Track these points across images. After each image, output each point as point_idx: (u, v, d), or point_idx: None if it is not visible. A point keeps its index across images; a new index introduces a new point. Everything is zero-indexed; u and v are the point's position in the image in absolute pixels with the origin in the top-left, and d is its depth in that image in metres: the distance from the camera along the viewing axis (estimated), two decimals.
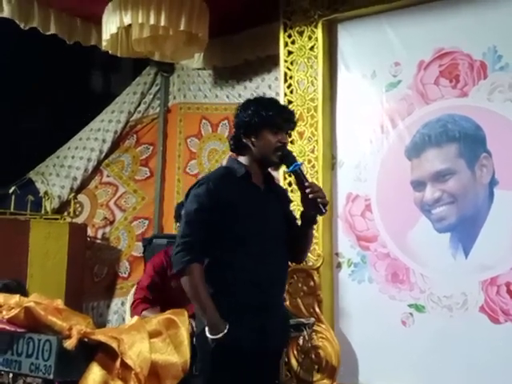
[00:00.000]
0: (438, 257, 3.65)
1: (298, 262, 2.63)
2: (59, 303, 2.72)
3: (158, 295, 3.66)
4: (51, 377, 2.51)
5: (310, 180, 2.45)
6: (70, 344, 2.48)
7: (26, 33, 4.58)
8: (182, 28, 3.93)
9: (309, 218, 2.43)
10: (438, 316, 3.60)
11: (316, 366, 3.76)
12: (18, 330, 2.68)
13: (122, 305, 5.30)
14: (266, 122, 2.42)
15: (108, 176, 5.71)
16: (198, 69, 5.47)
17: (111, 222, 5.63)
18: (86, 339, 2.56)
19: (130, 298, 4.32)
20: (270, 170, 2.53)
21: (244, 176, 2.45)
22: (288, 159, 2.43)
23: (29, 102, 5.66)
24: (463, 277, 3.55)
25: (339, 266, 3.99)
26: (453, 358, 3.49)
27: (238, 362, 2.33)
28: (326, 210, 2.35)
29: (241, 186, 2.43)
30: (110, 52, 4.44)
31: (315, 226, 2.59)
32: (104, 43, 4.24)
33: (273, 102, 2.54)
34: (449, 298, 3.57)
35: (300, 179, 2.41)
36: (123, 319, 4.88)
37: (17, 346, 2.66)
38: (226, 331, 2.27)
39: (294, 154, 2.53)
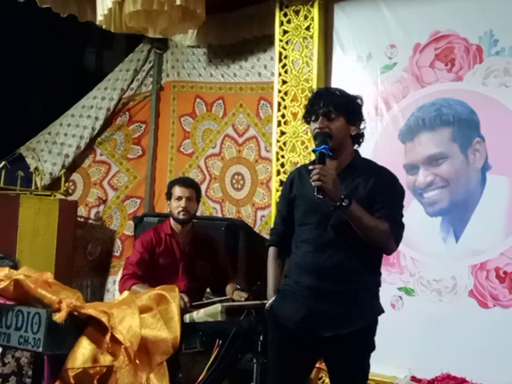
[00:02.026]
0: (429, 241, 3.65)
1: (384, 253, 2.52)
2: (49, 276, 2.70)
3: (148, 271, 3.67)
4: (40, 350, 2.51)
5: (320, 165, 2.31)
6: (59, 317, 2.48)
7: (20, 8, 4.52)
8: (178, 3, 3.87)
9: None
10: (427, 300, 3.61)
11: None
12: (7, 302, 2.67)
13: (114, 283, 5.31)
14: (305, 116, 2.51)
15: (101, 154, 5.68)
16: (193, 46, 5.43)
17: (104, 201, 5.61)
18: (75, 313, 2.56)
19: (119, 276, 4.32)
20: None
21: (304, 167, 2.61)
22: (315, 140, 2.42)
23: (21, 77, 5.60)
24: (453, 261, 3.56)
25: None
26: (441, 342, 3.50)
27: (282, 336, 2.47)
28: (316, 194, 2.28)
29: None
30: (103, 27, 4.38)
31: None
32: (100, 18, 4.18)
33: (313, 92, 2.58)
34: (438, 281, 3.58)
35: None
36: (115, 297, 4.88)
37: (6, 318, 2.66)
38: (271, 301, 2.52)
39: (324, 138, 2.38)
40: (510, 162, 3.44)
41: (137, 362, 2.60)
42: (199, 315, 3.18)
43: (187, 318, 3.19)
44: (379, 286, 2.54)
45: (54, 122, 5.65)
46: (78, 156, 5.57)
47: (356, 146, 2.58)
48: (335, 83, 4.12)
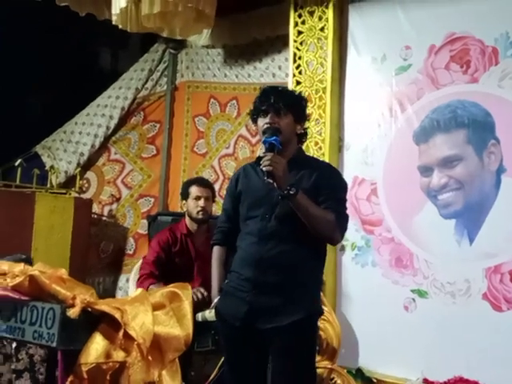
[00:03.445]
0: (443, 243, 3.64)
1: (330, 244, 2.58)
2: (63, 272, 2.72)
3: (164, 271, 3.68)
4: (54, 345, 2.52)
5: (272, 153, 2.36)
6: (73, 313, 2.49)
7: (37, 8, 4.55)
8: (190, 4, 3.89)
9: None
10: (440, 302, 3.59)
11: (317, 348, 3.77)
12: (22, 297, 2.68)
13: (126, 281, 5.33)
14: (253, 111, 2.56)
15: (115, 153, 5.72)
16: (207, 47, 5.45)
17: (117, 199, 5.64)
18: (89, 309, 2.57)
19: (133, 274, 4.34)
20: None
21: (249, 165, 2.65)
22: (265, 133, 2.45)
23: (37, 76, 5.65)
24: (467, 264, 3.54)
25: (343, 249, 3.99)
26: (454, 344, 3.49)
27: (226, 333, 2.51)
28: (266, 178, 2.31)
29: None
30: (119, 27, 4.41)
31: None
32: (114, 17, 4.21)
33: (261, 90, 2.60)
34: (452, 284, 3.56)
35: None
36: (127, 295, 4.90)
37: (20, 313, 2.67)
38: (216, 301, 2.55)
39: (274, 131, 2.44)
40: None
41: (149, 358, 2.60)
42: (211, 314, 3.19)
43: (199, 316, 3.20)
44: (321, 279, 2.58)
45: (70, 120, 5.70)
46: (92, 155, 5.61)
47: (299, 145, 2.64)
48: (349, 84, 4.14)
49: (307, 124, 2.66)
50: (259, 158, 2.50)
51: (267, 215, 2.45)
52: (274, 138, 2.41)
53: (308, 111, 3.97)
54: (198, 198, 3.75)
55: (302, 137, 2.62)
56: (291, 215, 2.38)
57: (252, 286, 2.42)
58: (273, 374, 2.44)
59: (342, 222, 2.48)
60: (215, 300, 2.57)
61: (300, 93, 2.73)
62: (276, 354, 2.42)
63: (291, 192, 2.32)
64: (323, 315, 3.74)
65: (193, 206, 3.76)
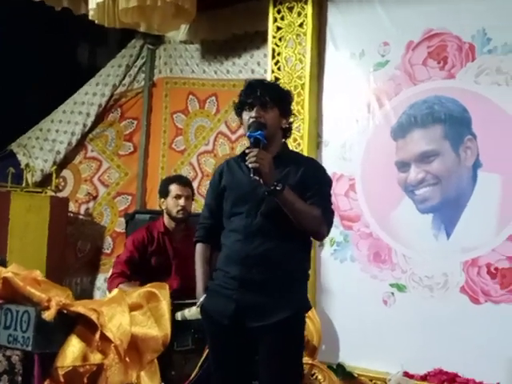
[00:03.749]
0: (420, 237, 3.66)
1: (316, 239, 2.64)
2: (38, 274, 2.68)
3: (137, 271, 3.66)
4: (29, 348, 2.49)
5: (257, 149, 2.34)
6: (48, 315, 2.46)
7: (12, 4, 4.48)
8: None
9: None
10: (418, 296, 3.62)
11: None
12: None
13: (104, 281, 5.28)
14: (238, 104, 2.54)
15: (92, 151, 5.66)
16: (185, 42, 5.40)
17: (94, 198, 5.59)
18: (65, 311, 2.54)
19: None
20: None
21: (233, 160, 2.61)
22: (250, 128, 2.43)
23: (11, 73, 5.56)
24: (445, 257, 3.57)
25: (322, 244, 3.98)
26: (433, 337, 3.51)
27: (213, 332, 2.48)
28: (253, 175, 2.29)
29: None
30: (96, 22, 4.35)
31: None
32: (90, 12, 4.15)
33: (246, 83, 2.57)
34: (430, 278, 3.59)
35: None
36: (106, 295, 4.86)
37: None
38: (202, 300, 2.50)
39: (259, 126, 2.41)
40: (501, 159, 3.45)
41: (127, 359, 2.59)
42: (191, 313, 3.17)
43: (179, 315, 3.19)
44: (307, 276, 2.55)
45: (46, 118, 5.62)
46: (68, 152, 5.54)
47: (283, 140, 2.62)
48: (328, 80, 4.13)
49: (292, 118, 2.63)
50: (244, 153, 2.47)
51: (253, 212, 2.42)
52: (259, 132, 2.38)
53: None
54: (178, 197, 3.72)
55: (287, 131, 2.60)
56: (277, 211, 2.37)
57: (238, 284, 2.39)
58: (261, 371, 2.42)
59: (328, 216, 2.48)
60: (201, 298, 2.53)
61: (286, 89, 2.69)
62: (264, 352, 2.40)
63: (278, 188, 2.30)
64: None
65: (172, 204, 3.73)
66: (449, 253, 3.55)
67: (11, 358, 2.60)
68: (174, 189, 3.75)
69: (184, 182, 3.85)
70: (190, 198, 3.78)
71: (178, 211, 3.71)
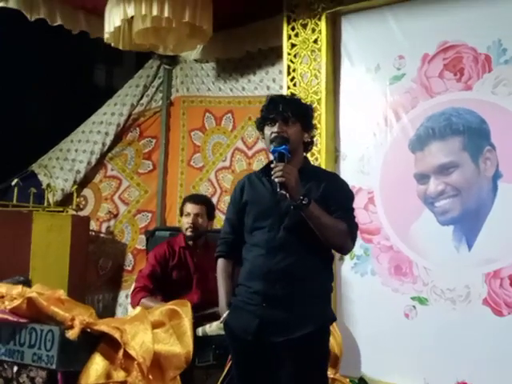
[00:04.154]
0: (441, 249, 3.63)
1: (341, 253, 2.72)
2: (61, 294, 2.71)
3: (159, 285, 3.68)
4: (54, 367, 2.51)
5: (283, 163, 2.34)
6: (72, 334, 2.48)
7: (32, 26, 4.57)
8: (186, 19, 3.91)
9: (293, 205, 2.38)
10: (440, 309, 3.58)
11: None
12: (21, 320, 2.68)
13: (126, 297, 5.31)
14: (260, 120, 2.54)
15: (112, 170, 5.71)
16: (201, 62, 5.46)
17: (115, 216, 5.63)
18: (88, 329, 2.56)
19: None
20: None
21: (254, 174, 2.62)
22: (273, 142, 2.43)
23: (32, 95, 5.66)
24: (466, 269, 3.53)
25: (342, 258, 3.97)
26: (456, 351, 3.47)
27: (237, 348, 2.48)
28: (279, 190, 2.29)
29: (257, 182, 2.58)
30: (112, 45, 4.42)
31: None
32: (106, 36, 4.22)
33: (268, 98, 2.58)
34: (452, 290, 3.55)
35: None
36: (127, 311, 4.89)
37: (19, 336, 2.67)
38: (225, 316, 2.48)
39: (283, 140, 2.41)
40: None
41: (150, 377, 2.59)
42: (212, 328, 3.19)
43: (200, 331, 3.20)
44: (330, 290, 2.54)
45: (66, 138, 5.70)
46: (88, 172, 5.60)
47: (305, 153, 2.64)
48: (344, 95, 4.14)
49: (313, 132, 2.64)
50: (265, 168, 2.48)
51: (275, 226, 2.42)
52: (284, 147, 2.39)
53: None
54: (188, 215, 3.77)
55: (308, 145, 2.61)
56: (300, 226, 2.37)
57: (262, 299, 2.39)
58: None
59: (353, 230, 2.48)
60: (224, 314, 2.52)
61: (307, 103, 2.71)
62: (289, 367, 2.39)
63: (304, 202, 2.30)
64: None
65: (184, 222, 3.80)
66: (470, 265, 3.52)
67: (35, 379, 2.62)
68: (186, 207, 3.81)
69: (196, 200, 3.87)
70: (201, 215, 3.79)
71: (186, 229, 3.76)
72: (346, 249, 2.53)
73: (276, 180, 2.30)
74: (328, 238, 2.39)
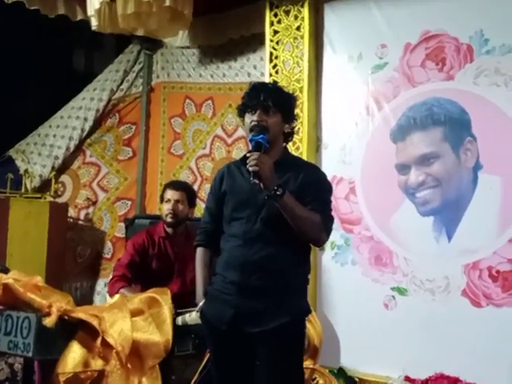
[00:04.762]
0: (421, 240, 3.65)
1: (315, 245, 2.58)
2: (38, 280, 2.67)
3: (138, 274, 3.65)
4: (30, 355, 2.47)
5: (258, 153, 2.31)
6: (49, 321, 2.44)
7: (8, 10, 4.48)
8: (167, 3, 3.86)
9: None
10: (420, 299, 3.61)
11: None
12: None
13: (104, 286, 5.27)
14: (241, 106, 2.50)
15: (91, 156, 5.65)
16: (182, 47, 5.41)
17: (94, 203, 5.58)
18: (66, 317, 2.53)
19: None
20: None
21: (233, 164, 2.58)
22: (252, 132, 2.41)
23: (8, 79, 5.55)
24: (446, 260, 3.56)
25: (322, 248, 3.97)
26: (435, 341, 3.50)
27: (213, 338, 2.47)
28: (252, 179, 2.27)
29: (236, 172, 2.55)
30: (94, 28, 4.35)
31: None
32: (92, 19, 4.16)
33: (250, 85, 2.54)
34: (431, 281, 3.58)
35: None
36: (106, 300, 4.85)
37: None
38: (201, 305, 2.48)
39: (262, 129, 2.38)
40: (501, 161, 3.45)
41: (128, 366, 2.57)
42: (192, 317, 3.15)
43: (179, 320, 3.17)
44: (307, 282, 2.53)
45: (44, 123, 5.62)
46: (67, 158, 5.53)
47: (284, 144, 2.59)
48: (326, 83, 4.13)
49: (294, 123, 2.60)
50: (245, 157, 2.44)
51: (253, 217, 2.40)
52: (261, 136, 2.36)
53: None
54: (168, 201, 3.73)
55: (289, 136, 2.58)
56: (277, 217, 2.35)
57: (237, 290, 2.38)
58: (261, 377, 2.39)
59: (327, 223, 2.46)
60: (200, 303, 2.51)
61: (290, 93, 2.65)
62: (264, 358, 2.38)
63: (278, 192, 2.28)
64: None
65: (164, 208, 3.77)
66: (450, 256, 3.54)
67: (14, 365, 2.59)
68: (166, 194, 3.78)
69: (176, 186, 3.84)
70: (181, 202, 3.74)
71: (166, 215, 3.73)
72: (319, 241, 2.50)
73: (250, 169, 2.29)
74: (301, 230, 2.37)
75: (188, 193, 3.82)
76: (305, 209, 2.37)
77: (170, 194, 3.74)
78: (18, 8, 4.46)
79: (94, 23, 4.27)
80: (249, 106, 2.45)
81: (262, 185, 2.28)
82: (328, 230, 2.47)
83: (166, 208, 3.72)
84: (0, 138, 5.32)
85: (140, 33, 4.70)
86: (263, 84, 2.63)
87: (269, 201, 2.32)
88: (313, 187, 2.44)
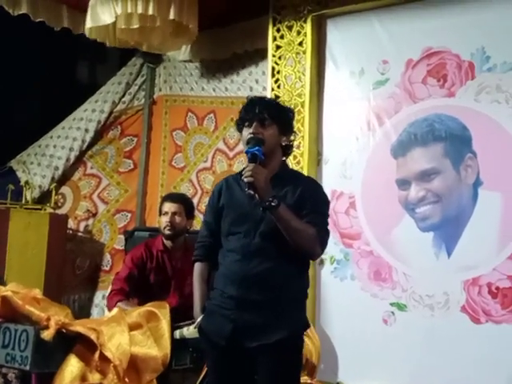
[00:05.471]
0: (421, 256, 3.65)
1: (310, 259, 2.52)
2: (37, 293, 2.66)
3: (136, 288, 3.64)
4: (27, 368, 2.47)
5: (253, 164, 2.31)
6: (47, 335, 2.44)
7: (13, 21, 4.51)
8: (171, 17, 3.88)
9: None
10: (419, 315, 3.59)
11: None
12: None
13: (102, 298, 5.25)
14: (238, 121, 2.51)
15: (92, 168, 5.64)
16: (185, 61, 5.43)
17: (94, 215, 5.57)
18: (64, 330, 2.52)
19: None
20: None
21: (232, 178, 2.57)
22: (249, 143, 2.41)
23: (12, 91, 5.58)
24: (445, 276, 3.55)
25: (322, 262, 3.97)
26: (434, 357, 3.49)
27: (212, 353, 2.44)
28: (247, 190, 2.28)
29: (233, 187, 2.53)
30: (98, 40, 4.37)
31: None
32: (88, 30, 4.17)
33: (247, 99, 2.55)
34: (431, 297, 3.57)
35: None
36: (104, 313, 4.83)
37: None
38: (199, 320, 2.44)
39: (257, 142, 2.37)
40: (501, 177, 3.46)
41: (126, 380, 2.56)
42: (190, 331, 3.15)
43: (177, 334, 3.16)
44: (306, 296, 2.52)
45: (45, 134, 5.62)
46: (67, 169, 5.52)
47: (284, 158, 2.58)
48: (328, 98, 4.15)
49: (293, 136, 2.59)
50: (242, 171, 2.45)
51: (251, 232, 2.39)
52: (257, 148, 2.36)
53: None
54: (165, 214, 3.72)
55: (287, 149, 2.57)
56: (275, 231, 2.34)
57: (236, 304, 2.36)
58: None
59: (323, 236, 2.44)
60: (198, 319, 2.49)
61: (287, 106, 2.66)
62: (263, 372, 2.37)
63: (273, 203, 2.27)
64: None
65: (161, 221, 3.74)
66: (449, 272, 3.54)
67: (7, 375, 2.57)
68: (163, 206, 3.76)
69: (174, 198, 3.83)
70: (179, 214, 3.73)
71: (163, 228, 3.71)
72: (314, 254, 2.48)
73: (245, 180, 2.29)
74: (296, 243, 2.36)
75: (185, 205, 3.81)
76: (300, 221, 2.36)
77: (168, 207, 3.74)
78: (23, 20, 4.48)
79: (92, 35, 4.28)
80: (245, 119, 2.46)
81: (256, 196, 2.28)
82: (323, 244, 2.45)
83: (164, 220, 3.72)
84: (1, 149, 5.34)
85: (144, 48, 4.71)
86: (259, 97, 2.63)
87: (266, 214, 2.32)
88: (310, 199, 2.43)
